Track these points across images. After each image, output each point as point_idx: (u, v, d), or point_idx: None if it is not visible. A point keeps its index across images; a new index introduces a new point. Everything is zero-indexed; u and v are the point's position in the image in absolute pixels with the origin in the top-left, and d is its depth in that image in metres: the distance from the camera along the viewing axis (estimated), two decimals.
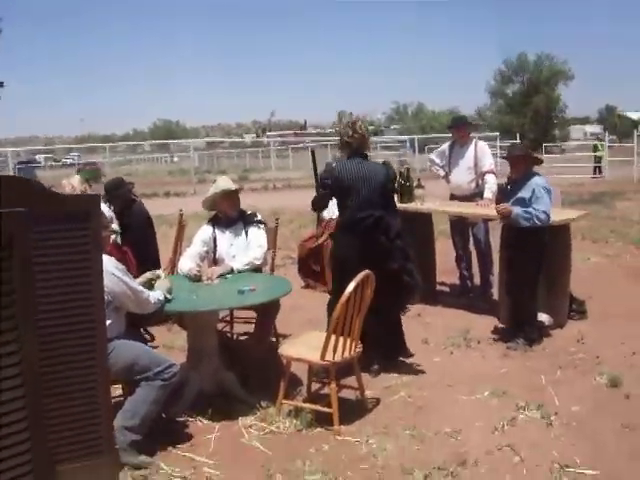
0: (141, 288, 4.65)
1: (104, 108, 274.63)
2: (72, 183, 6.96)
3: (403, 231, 5.79)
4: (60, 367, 2.50)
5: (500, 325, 7.09)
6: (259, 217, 6.26)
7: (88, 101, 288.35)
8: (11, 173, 29.32)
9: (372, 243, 5.60)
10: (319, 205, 6.20)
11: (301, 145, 50.14)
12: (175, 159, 57.73)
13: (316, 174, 6.42)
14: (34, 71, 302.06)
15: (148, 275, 5.11)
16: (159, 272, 5.23)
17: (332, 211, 8.82)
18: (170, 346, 6.62)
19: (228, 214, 6.13)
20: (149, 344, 6.52)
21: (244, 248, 6.02)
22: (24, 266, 1.84)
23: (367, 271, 4.75)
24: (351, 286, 4.59)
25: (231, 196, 6.11)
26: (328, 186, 5.80)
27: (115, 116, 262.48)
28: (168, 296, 4.88)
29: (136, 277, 5.56)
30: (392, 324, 6.04)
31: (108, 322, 4.01)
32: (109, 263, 4.32)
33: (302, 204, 17.75)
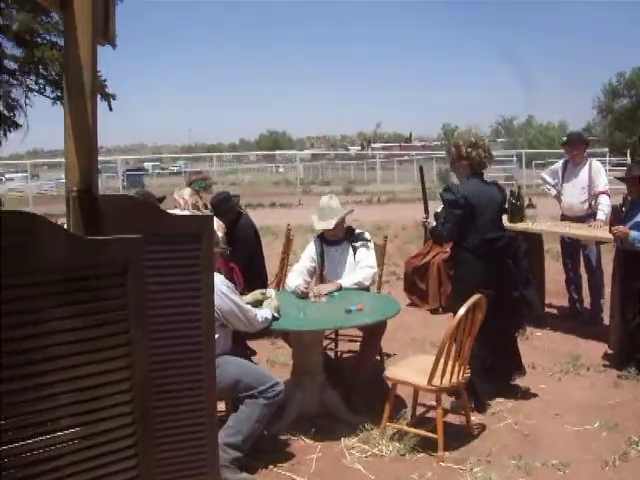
0: (249, 307, 4.65)
1: (212, 118, 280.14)
2: (183, 196, 7.04)
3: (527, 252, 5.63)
4: (168, 387, 2.50)
5: (610, 351, 6.77)
6: (367, 236, 6.18)
7: (196, 111, 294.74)
8: (120, 180, 30.27)
9: (504, 265, 5.41)
10: (445, 238, 5.82)
11: (406, 158, 49.94)
12: (280, 169, 58.33)
13: (424, 192, 6.32)
14: (145, 81, 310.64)
15: (258, 295, 5.11)
16: (269, 291, 5.22)
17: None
18: (273, 361, 6.62)
19: (334, 238, 6.11)
20: (252, 358, 6.57)
21: (351, 267, 5.97)
22: (138, 292, 1.82)
23: (479, 295, 4.63)
24: (462, 310, 4.47)
25: (333, 229, 6.03)
26: (458, 210, 5.42)
27: (222, 126, 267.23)
28: (276, 315, 4.86)
29: (244, 293, 5.58)
30: (506, 345, 5.82)
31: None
32: (218, 281, 4.33)
33: (407, 218, 17.86)
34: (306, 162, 52.92)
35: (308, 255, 6.14)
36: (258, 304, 4.97)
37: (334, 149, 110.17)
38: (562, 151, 8.47)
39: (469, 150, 5.52)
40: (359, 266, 5.94)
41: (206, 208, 7.09)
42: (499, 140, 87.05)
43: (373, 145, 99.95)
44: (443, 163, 40.57)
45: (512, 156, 38.14)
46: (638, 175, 6.25)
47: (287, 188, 36.35)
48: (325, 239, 6.14)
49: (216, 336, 4.16)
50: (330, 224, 5.96)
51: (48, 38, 14.35)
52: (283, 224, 17.26)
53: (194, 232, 2.53)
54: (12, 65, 16.11)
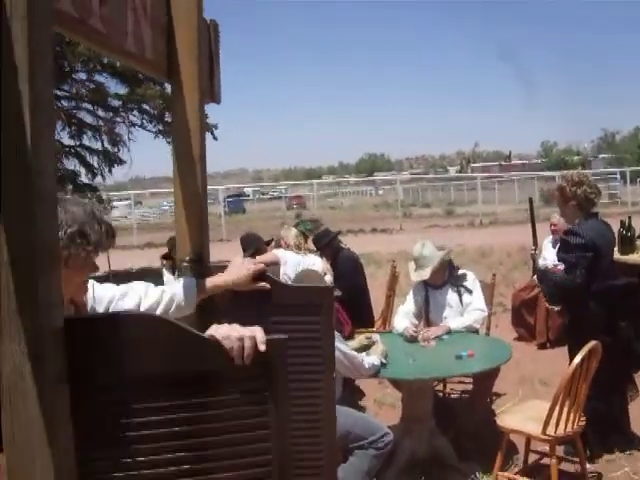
0: (355, 354, 4.62)
1: (311, 141, 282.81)
2: (287, 240, 7.10)
3: None
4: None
5: None
6: (470, 277, 6.05)
7: (295, 135, 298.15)
8: (222, 206, 30.85)
9: (625, 313, 5.17)
10: (578, 284, 5.11)
11: (506, 178, 49.27)
12: (380, 192, 58.34)
13: (533, 223, 6.17)
14: (244, 106, 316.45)
15: (364, 340, 5.08)
16: (374, 336, 5.17)
17: (548, 260, 8.53)
18: (381, 402, 6.57)
19: (435, 283, 6.03)
20: (360, 401, 6.53)
21: (457, 309, 5.88)
22: (281, 401, 1.75)
23: (595, 342, 4.47)
24: (578, 357, 4.32)
25: (432, 276, 5.95)
26: (589, 253, 5.07)
27: (322, 149, 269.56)
28: (384, 361, 4.82)
29: (350, 335, 5.55)
30: (620, 396, 5.57)
31: None
32: None
33: (511, 244, 17.58)
34: (406, 184, 52.79)
35: (412, 298, 6.10)
36: (364, 349, 4.93)
37: (433, 169, 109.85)
38: None
39: (573, 189, 5.26)
40: (467, 309, 5.84)
41: (309, 251, 7.12)
42: (601, 156, 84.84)
43: (472, 165, 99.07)
44: (544, 182, 39.89)
45: (615, 173, 37.17)
46: None
47: (387, 211, 36.31)
48: (429, 282, 6.05)
49: None
50: (426, 274, 5.90)
51: (149, 76, 14.80)
52: (385, 251, 17.42)
53: (315, 303, 2.50)
54: (116, 103, 16.65)
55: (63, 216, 1.93)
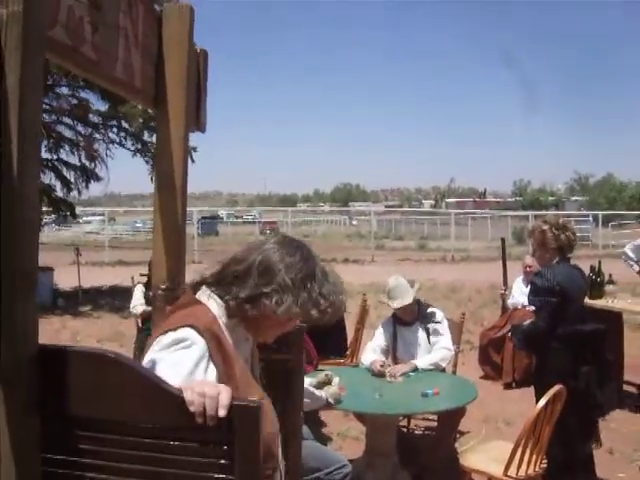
0: (312, 390, 4.57)
1: (287, 168, 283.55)
2: None
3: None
4: None
5: None
6: (439, 315, 6.08)
7: (272, 161, 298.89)
8: (195, 227, 30.81)
9: (585, 358, 5.14)
10: (542, 329, 5.12)
11: (480, 214, 49.65)
12: (354, 222, 58.49)
13: (505, 264, 6.23)
14: (222, 131, 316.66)
15: (322, 376, 5.03)
16: (335, 379, 5.09)
17: (517, 300, 8.61)
18: (345, 435, 6.55)
19: (407, 318, 6.05)
20: (323, 429, 6.51)
21: (425, 347, 5.90)
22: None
23: (560, 386, 4.51)
24: (543, 401, 4.36)
25: (403, 309, 5.97)
26: (554, 298, 5.06)
27: (297, 177, 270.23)
28: (331, 402, 4.77)
29: (316, 366, 5.55)
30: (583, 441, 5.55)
31: None
32: None
33: (481, 281, 17.68)
34: (380, 215, 52.97)
35: (381, 333, 6.12)
36: (321, 386, 4.89)
37: (408, 202, 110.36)
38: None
39: (557, 233, 5.24)
40: (435, 347, 5.86)
41: None
42: (573, 198, 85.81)
43: (447, 200, 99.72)
44: (518, 220, 40.23)
45: (588, 216, 37.64)
46: None
47: (360, 242, 36.39)
48: (398, 319, 6.08)
49: None
50: (408, 299, 5.90)
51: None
52: (357, 282, 17.39)
53: (286, 342, 2.51)
54: (96, 119, 16.60)
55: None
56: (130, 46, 2.17)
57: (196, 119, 2.81)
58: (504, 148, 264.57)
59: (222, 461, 1.53)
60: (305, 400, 4.55)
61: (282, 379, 2.52)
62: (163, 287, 2.45)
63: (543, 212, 52.47)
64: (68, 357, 1.52)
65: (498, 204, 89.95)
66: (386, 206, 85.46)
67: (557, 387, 4.49)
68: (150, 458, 1.54)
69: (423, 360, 5.77)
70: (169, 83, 2.43)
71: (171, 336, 1.90)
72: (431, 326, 5.96)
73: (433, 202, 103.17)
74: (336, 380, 5.03)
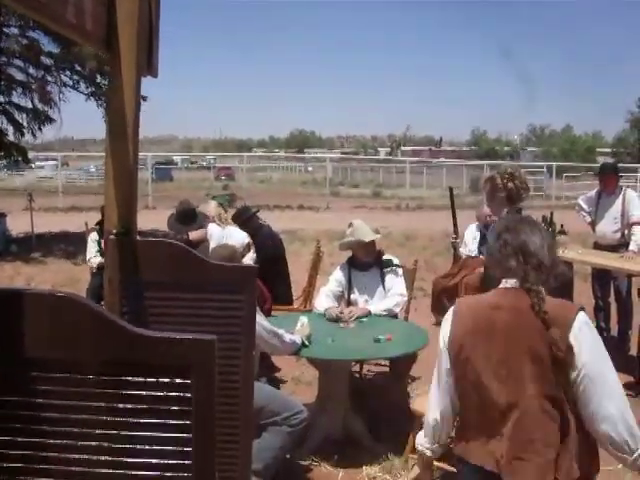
0: (275, 329, 4.62)
1: (242, 114, 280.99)
2: (209, 210, 7.24)
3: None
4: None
5: (636, 383, 6.68)
6: (396, 261, 6.17)
7: (227, 106, 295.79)
8: (149, 173, 30.53)
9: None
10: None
11: (435, 163, 49.89)
12: (310, 169, 58.35)
13: (454, 213, 6.28)
14: (178, 74, 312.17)
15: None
16: (302, 318, 5.16)
17: (470, 249, 8.68)
18: (298, 380, 6.63)
19: (363, 260, 6.08)
20: (276, 374, 6.58)
21: (380, 292, 5.96)
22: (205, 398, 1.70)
23: None
24: None
25: (367, 245, 6.03)
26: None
27: (252, 122, 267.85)
28: (306, 343, 4.85)
29: (269, 311, 5.58)
30: None
31: None
32: None
33: (436, 229, 17.75)
34: (335, 162, 52.92)
35: (335, 279, 6.14)
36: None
37: (364, 150, 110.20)
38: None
39: (505, 181, 5.30)
40: (389, 293, 5.93)
41: (229, 223, 7.28)
42: (529, 149, 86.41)
43: (403, 148, 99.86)
44: (473, 170, 40.42)
45: (542, 167, 37.99)
46: None
47: (315, 189, 36.36)
48: (354, 264, 6.12)
49: None
50: (375, 236, 6.09)
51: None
52: (311, 229, 17.43)
53: (237, 282, 2.53)
54: (48, 61, 16.20)
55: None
56: None
57: (148, 63, 2.76)
58: (461, 96, 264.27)
59: (179, 394, 1.58)
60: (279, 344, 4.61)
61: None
62: (115, 232, 2.43)
63: (498, 162, 52.95)
64: (22, 299, 1.52)
65: (454, 153, 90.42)
66: (342, 153, 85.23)
67: None
68: (106, 394, 1.56)
69: (377, 305, 5.84)
70: (120, 26, 2.35)
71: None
72: (386, 272, 6.02)
73: (389, 150, 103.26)
74: (304, 320, 5.08)
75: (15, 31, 15.31)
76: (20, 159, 17.17)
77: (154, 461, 1.61)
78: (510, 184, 5.28)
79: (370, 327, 5.43)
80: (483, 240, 5.67)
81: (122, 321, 1.58)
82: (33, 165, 46.47)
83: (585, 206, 8.39)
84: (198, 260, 2.54)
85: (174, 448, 1.61)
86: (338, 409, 5.19)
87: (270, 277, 6.89)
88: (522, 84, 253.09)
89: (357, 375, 6.50)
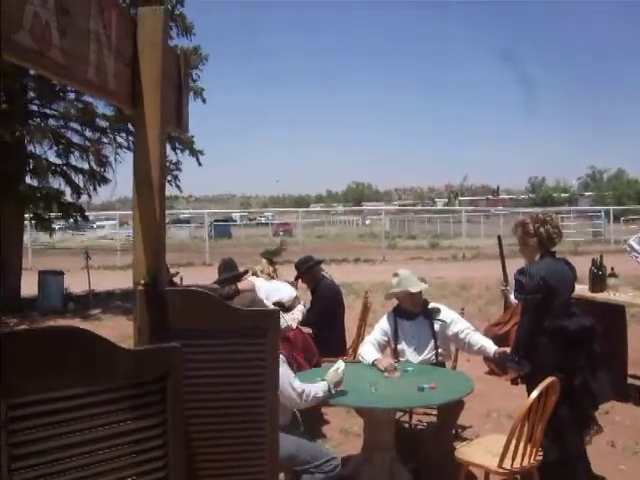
0: (298, 384, 4.60)
1: (299, 169, 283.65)
2: (257, 270, 7.44)
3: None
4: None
5: None
6: (442, 314, 6.13)
7: (284, 162, 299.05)
8: (207, 230, 31.00)
9: (575, 351, 5.11)
10: (527, 331, 5.18)
11: (492, 212, 49.63)
12: (367, 222, 58.49)
13: (503, 261, 6.28)
14: (236, 133, 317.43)
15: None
16: (339, 363, 5.13)
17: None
18: (347, 431, 6.61)
19: (410, 310, 6.09)
20: (325, 426, 6.57)
21: (429, 342, 5.95)
22: (177, 399, 1.91)
23: (553, 378, 4.54)
24: (535, 393, 4.40)
25: (414, 295, 6.04)
26: (539, 295, 5.06)
27: (310, 177, 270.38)
28: (332, 390, 4.81)
29: (317, 364, 5.61)
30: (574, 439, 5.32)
31: None
32: None
33: (491, 277, 17.60)
34: (392, 214, 52.98)
35: (382, 328, 6.14)
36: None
37: (421, 201, 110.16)
38: None
39: (537, 226, 5.29)
40: (468, 335, 5.99)
41: (276, 278, 7.40)
42: (586, 194, 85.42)
43: (460, 198, 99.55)
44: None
45: (600, 211, 37.58)
46: None
47: (372, 241, 36.42)
48: (399, 313, 6.13)
49: None
50: (423, 285, 6.11)
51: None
52: (366, 281, 17.43)
53: (260, 327, 2.61)
54: (103, 124, 16.71)
55: None
56: (103, 49, 2.24)
57: (177, 119, 2.89)
58: (518, 144, 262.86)
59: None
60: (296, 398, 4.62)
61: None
62: (143, 283, 2.52)
63: (555, 208, 52.38)
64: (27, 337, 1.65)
65: (511, 201, 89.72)
66: (399, 205, 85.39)
67: (550, 379, 4.51)
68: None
69: (486, 347, 5.95)
70: (145, 84, 2.49)
71: None
72: (437, 320, 6.01)
73: (446, 200, 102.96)
74: (342, 366, 5.06)
75: (72, 96, 15.82)
76: (79, 218, 17.55)
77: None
78: (542, 229, 5.27)
79: (415, 376, 5.42)
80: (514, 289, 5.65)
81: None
82: (94, 225, 47.61)
83: (637, 246, 8.29)
84: (224, 307, 2.62)
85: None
86: (384, 459, 5.16)
87: (327, 328, 7.02)
88: (581, 129, 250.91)
89: (406, 425, 6.46)
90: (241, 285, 7.22)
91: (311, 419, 5.84)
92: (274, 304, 6.26)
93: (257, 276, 7.49)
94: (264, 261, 7.59)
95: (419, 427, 6.67)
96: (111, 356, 1.97)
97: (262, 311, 3.05)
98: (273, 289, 7.24)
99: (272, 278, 7.46)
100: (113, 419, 2.00)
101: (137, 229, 2.55)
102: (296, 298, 7.18)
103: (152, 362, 2.11)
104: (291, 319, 6.47)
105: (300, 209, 46.85)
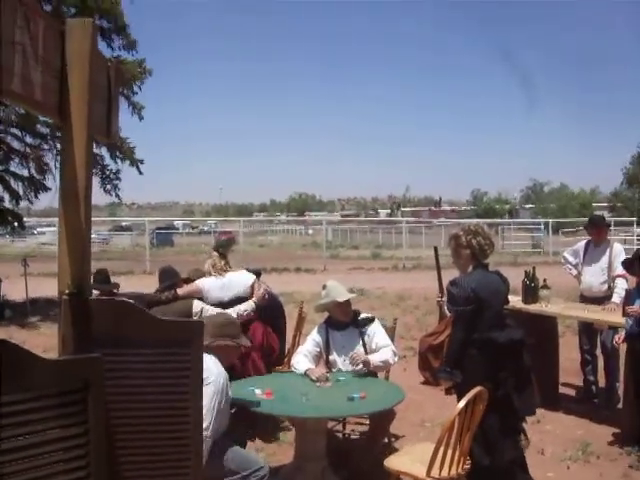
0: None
1: (243, 178, 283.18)
2: (207, 267, 7.32)
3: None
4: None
5: (623, 438, 6.67)
6: (373, 321, 6.22)
7: (228, 171, 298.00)
8: (147, 238, 30.79)
9: (504, 363, 5.19)
10: (459, 340, 5.25)
11: (435, 222, 50.19)
12: (310, 232, 58.61)
13: (439, 271, 6.39)
14: (178, 140, 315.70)
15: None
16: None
17: None
18: (282, 440, 6.63)
19: (340, 320, 6.16)
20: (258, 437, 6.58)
21: (358, 351, 6.02)
22: (99, 409, 1.95)
23: (480, 387, 4.63)
24: (462, 402, 4.49)
25: (342, 305, 6.12)
26: (469, 306, 5.13)
27: (253, 186, 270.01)
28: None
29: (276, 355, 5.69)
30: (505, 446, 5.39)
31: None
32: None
33: (430, 288, 17.68)
34: (335, 225, 53.18)
35: (313, 339, 6.19)
36: None
37: (364, 211, 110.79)
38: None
39: (469, 238, 5.37)
40: (383, 349, 6.08)
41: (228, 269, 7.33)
42: (527, 206, 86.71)
43: (403, 209, 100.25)
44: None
45: (539, 224, 38.27)
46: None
47: (315, 251, 36.47)
48: (330, 324, 6.20)
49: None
50: (350, 295, 6.19)
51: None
52: (307, 291, 17.45)
53: (183, 338, 2.63)
54: (44, 130, 16.48)
55: None
56: (29, 60, 2.25)
57: (107, 130, 2.90)
58: (461, 156, 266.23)
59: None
60: None
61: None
62: (67, 292, 2.53)
63: (497, 220, 53.14)
64: None
65: (453, 213, 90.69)
66: (342, 215, 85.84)
67: (478, 389, 4.59)
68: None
69: (374, 357, 5.94)
70: (72, 95, 2.50)
71: None
72: (367, 330, 6.09)
73: (389, 211, 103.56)
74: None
75: None
76: (16, 225, 17.24)
77: None
78: (474, 240, 5.35)
79: (346, 386, 5.48)
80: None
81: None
82: (35, 231, 46.78)
83: (571, 259, 8.48)
84: (147, 317, 2.63)
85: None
86: (315, 468, 5.20)
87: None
88: (522, 142, 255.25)
89: (340, 434, 6.52)
90: (185, 290, 7.00)
91: (243, 429, 5.84)
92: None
93: (209, 275, 7.28)
94: (215, 254, 7.40)
95: (352, 436, 6.72)
96: (31, 366, 2.01)
97: (184, 322, 3.06)
98: (227, 284, 7.12)
99: (225, 271, 7.29)
100: (33, 428, 2.02)
101: (62, 238, 2.56)
102: (255, 283, 7.15)
103: (73, 372, 2.14)
104: (235, 310, 6.66)
105: (242, 218, 46.67)
